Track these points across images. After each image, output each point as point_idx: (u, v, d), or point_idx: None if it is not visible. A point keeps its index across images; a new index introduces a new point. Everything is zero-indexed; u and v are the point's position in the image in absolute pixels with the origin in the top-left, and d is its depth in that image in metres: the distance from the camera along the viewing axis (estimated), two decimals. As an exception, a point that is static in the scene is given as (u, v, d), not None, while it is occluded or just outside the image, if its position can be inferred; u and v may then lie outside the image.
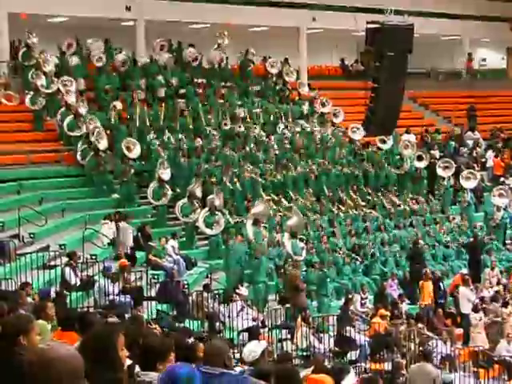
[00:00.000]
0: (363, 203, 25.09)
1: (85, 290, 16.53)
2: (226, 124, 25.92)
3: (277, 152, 25.52)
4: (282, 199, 23.73)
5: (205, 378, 6.00)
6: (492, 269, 22.95)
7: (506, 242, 25.49)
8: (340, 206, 24.66)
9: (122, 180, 22.56)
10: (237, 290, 18.34)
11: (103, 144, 22.58)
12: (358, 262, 22.15)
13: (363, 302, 20.44)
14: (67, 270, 16.65)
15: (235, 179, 23.51)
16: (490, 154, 31.61)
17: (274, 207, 23.06)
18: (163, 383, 3.93)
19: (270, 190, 24.05)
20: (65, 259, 17.13)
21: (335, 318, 18.74)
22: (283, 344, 16.97)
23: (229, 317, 17.45)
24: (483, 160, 31.30)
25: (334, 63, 38.23)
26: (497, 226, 26.08)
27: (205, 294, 17.62)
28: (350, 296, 19.57)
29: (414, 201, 25.95)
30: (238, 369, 7.20)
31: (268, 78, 30.22)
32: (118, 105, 25.13)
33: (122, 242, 19.83)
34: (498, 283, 22.18)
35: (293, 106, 29.25)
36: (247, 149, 25.24)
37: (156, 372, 5.11)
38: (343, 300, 19.59)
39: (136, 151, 22.85)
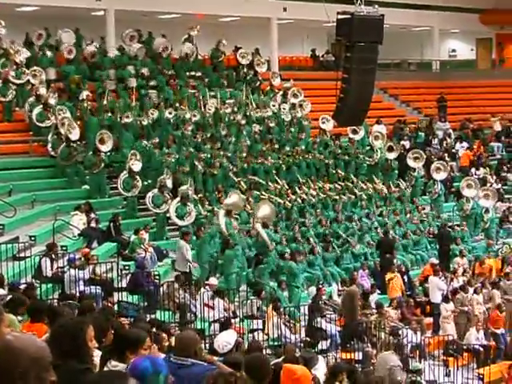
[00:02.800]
0: (334, 193, 25.13)
1: (56, 281, 16.46)
2: (194, 115, 25.80)
3: (248, 142, 25.52)
4: (254, 191, 23.69)
5: (175, 368, 6.01)
6: (461, 258, 23.14)
7: (476, 234, 25.67)
8: (311, 196, 24.67)
9: (93, 171, 22.44)
10: (206, 281, 18.33)
11: (75, 134, 22.42)
12: (329, 252, 22.19)
13: (340, 293, 20.51)
14: (44, 261, 16.58)
15: (206, 170, 23.47)
16: (464, 145, 31.78)
17: (245, 198, 23.05)
18: None
19: (242, 179, 24.02)
20: (36, 250, 17.06)
21: (306, 308, 18.86)
22: (254, 334, 17.00)
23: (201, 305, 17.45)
24: (453, 151, 31.48)
25: (304, 54, 38.25)
26: (467, 216, 26.28)
27: (176, 285, 17.60)
28: (321, 286, 19.65)
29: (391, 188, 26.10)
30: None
31: (239, 69, 30.18)
32: (88, 95, 24.99)
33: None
34: (465, 272, 22.34)
35: (264, 96, 29.24)
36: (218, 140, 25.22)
37: (125, 363, 5.08)
38: (314, 290, 19.69)
39: (109, 144, 22.72)
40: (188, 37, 29.34)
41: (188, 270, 19.19)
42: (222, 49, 30.33)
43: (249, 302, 18.26)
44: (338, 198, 24.56)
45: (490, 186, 28.08)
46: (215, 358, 8.06)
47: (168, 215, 21.47)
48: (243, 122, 26.52)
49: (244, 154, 24.76)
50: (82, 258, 16.85)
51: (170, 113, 25.26)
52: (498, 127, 33.92)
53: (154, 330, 9.70)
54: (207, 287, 18.02)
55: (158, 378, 4.21)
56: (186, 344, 6.20)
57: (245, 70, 30.16)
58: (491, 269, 23.15)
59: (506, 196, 29.23)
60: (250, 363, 6.16)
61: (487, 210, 26.12)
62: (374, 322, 18.26)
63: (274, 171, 24.76)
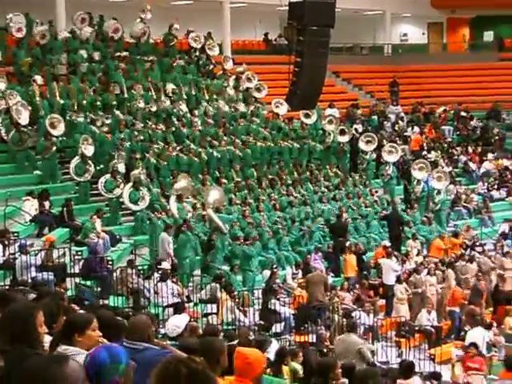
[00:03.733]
0: (286, 178, 25.20)
1: (7, 268, 16.31)
2: (150, 102, 25.63)
3: (200, 128, 25.43)
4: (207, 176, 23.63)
5: (128, 352, 5.98)
6: (414, 240, 23.37)
7: (425, 215, 25.93)
8: (265, 181, 24.72)
9: (44, 156, 22.19)
10: (159, 266, 18.30)
11: (24, 119, 22.12)
12: (282, 236, 22.26)
13: (294, 276, 20.61)
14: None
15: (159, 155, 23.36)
16: (416, 130, 32.02)
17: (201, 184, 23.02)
18: (87, 371, 3.87)
19: (195, 166, 23.94)
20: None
21: (260, 291, 18.95)
22: (208, 318, 17.03)
23: (155, 293, 17.42)
24: (405, 134, 31.72)
25: (257, 38, 38.20)
26: (417, 198, 26.54)
27: (129, 270, 17.54)
28: (275, 270, 19.72)
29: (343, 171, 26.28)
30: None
31: (191, 53, 30.04)
32: (39, 79, 24.67)
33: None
34: (418, 254, 22.60)
35: (217, 80, 29.17)
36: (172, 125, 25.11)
37: (75, 347, 5.05)
38: (268, 273, 19.76)
39: (60, 128, 22.48)
40: (140, 20, 29.08)
41: (170, 263, 19.11)
42: (174, 32, 30.12)
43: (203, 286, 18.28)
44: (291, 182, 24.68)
45: (442, 168, 28.37)
46: (168, 342, 8.07)
47: (121, 200, 21.35)
48: (195, 108, 26.43)
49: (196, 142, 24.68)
50: (47, 245, 16.77)
51: (121, 97, 25.09)
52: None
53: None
54: (160, 272, 17.99)
55: (117, 368, 4.17)
56: (139, 328, 6.17)
57: (197, 53, 30.02)
58: (446, 250, 23.49)
59: (457, 179, 29.52)
60: (205, 347, 6.16)
61: (439, 192, 26.38)
62: (327, 304, 18.40)
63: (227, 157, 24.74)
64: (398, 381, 11.08)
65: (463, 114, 34.42)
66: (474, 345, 16.22)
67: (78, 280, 16.63)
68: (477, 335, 17.39)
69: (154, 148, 23.44)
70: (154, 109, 25.32)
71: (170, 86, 26.84)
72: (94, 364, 4.04)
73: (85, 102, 24.45)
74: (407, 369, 11.59)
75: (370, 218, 24.52)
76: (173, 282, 17.67)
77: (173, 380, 2.82)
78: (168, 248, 19.38)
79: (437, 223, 25.56)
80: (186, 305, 17.33)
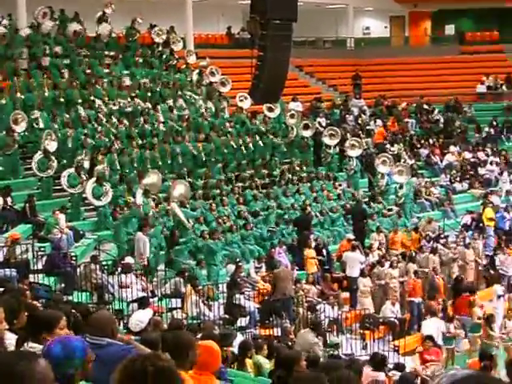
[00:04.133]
0: (251, 172, 25.22)
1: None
2: (116, 104, 25.48)
3: (164, 123, 25.32)
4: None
5: (90, 348, 5.96)
6: (378, 233, 23.51)
7: (388, 208, 26.09)
8: (229, 175, 24.72)
9: (6, 152, 21.99)
10: (122, 261, 18.22)
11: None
12: (246, 230, 22.28)
13: (257, 270, 20.65)
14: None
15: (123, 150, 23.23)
16: (379, 123, 32.20)
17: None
18: None
19: (159, 161, 23.85)
20: None
21: (225, 285, 18.97)
22: (173, 313, 17.02)
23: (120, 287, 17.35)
24: (368, 127, 31.87)
25: (220, 32, 38.15)
26: (382, 192, 26.70)
27: (93, 266, 17.46)
28: (239, 264, 19.74)
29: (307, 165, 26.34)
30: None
31: (154, 47, 29.93)
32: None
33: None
34: (381, 247, 22.72)
35: (180, 75, 29.08)
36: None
37: (43, 345, 5.03)
38: (233, 268, 19.77)
39: (23, 124, 22.29)
40: (102, 14, 28.91)
41: (146, 263, 19.03)
42: (136, 27, 29.97)
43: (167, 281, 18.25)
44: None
45: (404, 161, 28.56)
46: (132, 338, 8.04)
47: (84, 195, 21.23)
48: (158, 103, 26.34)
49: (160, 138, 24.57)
50: (9, 242, 16.64)
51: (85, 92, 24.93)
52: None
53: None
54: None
55: (71, 362, 4.15)
56: (102, 324, 6.15)
57: (160, 48, 29.91)
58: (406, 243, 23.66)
59: (420, 171, 29.73)
60: (174, 341, 6.13)
61: (401, 186, 26.54)
62: (292, 297, 18.48)
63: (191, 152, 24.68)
64: (365, 369, 11.14)
65: (425, 106, 34.69)
66: (429, 337, 16.41)
67: (35, 279, 16.48)
68: (432, 326, 17.60)
69: (118, 144, 23.31)
70: (116, 105, 25.17)
71: (133, 81, 26.71)
72: (48, 357, 4.02)
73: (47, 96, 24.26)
74: (380, 362, 11.68)
75: (337, 213, 24.57)
76: (137, 276, 17.62)
77: (139, 377, 2.80)
78: (142, 248, 19.24)
79: (400, 216, 25.71)
80: (151, 300, 17.28)
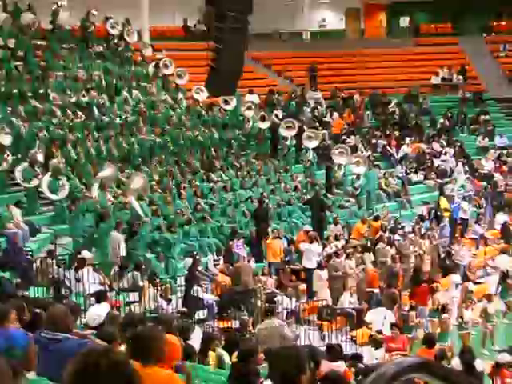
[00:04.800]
0: (208, 164, 25.17)
1: None
2: (68, 93, 25.25)
3: (120, 116, 25.17)
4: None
5: (46, 343, 5.93)
6: (335, 224, 23.62)
7: (346, 198, 26.24)
8: (186, 168, 24.64)
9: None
10: (79, 255, 18.09)
11: None
12: (204, 223, 22.24)
13: (215, 263, 20.65)
14: None
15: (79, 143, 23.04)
16: (335, 116, 32.32)
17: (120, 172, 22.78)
18: None
19: (115, 154, 23.70)
20: None
21: (183, 278, 18.94)
22: (131, 307, 16.95)
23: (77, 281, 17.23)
24: (325, 119, 31.99)
25: (176, 24, 38.00)
26: (339, 183, 26.83)
27: (49, 260, 17.31)
28: (198, 257, 19.73)
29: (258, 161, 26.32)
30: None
31: (109, 40, 29.71)
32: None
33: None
34: (339, 238, 22.82)
35: (136, 67, 28.91)
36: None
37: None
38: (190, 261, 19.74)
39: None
40: (57, 6, 28.62)
41: (119, 264, 18.89)
42: (91, 19, 29.72)
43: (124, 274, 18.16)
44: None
45: (361, 153, 28.71)
46: (88, 332, 8.02)
47: (40, 189, 21.01)
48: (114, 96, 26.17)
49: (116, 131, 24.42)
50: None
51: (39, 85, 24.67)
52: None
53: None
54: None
55: (13, 352, 4.12)
56: (57, 318, 6.12)
57: (115, 40, 29.70)
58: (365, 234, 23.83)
59: (376, 163, 29.89)
60: (138, 335, 6.06)
61: (358, 177, 26.68)
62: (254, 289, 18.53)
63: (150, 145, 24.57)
64: (323, 362, 11.19)
65: (381, 98, 34.92)
66: (395, 325, 16.55)
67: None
68: (377, 315, 17.78)
69: (73, 137, 23.10)
70: (73, 97, 24.96)
71: (89, 74, 26.49)
72: None
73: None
74: (334, 352, 11.73)
75: (293, 204, 24.62)
76: (95, 270, 17.52)
77: (91, 372, 2.78)
78: (117, 248, 19.09)
79: (357, 207, 25.91)
80: (108, 294, 17.17)
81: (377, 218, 24.73)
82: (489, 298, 19.58)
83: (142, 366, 5.24)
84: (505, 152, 33.07)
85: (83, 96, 25.31)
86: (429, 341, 14.15)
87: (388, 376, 2.18)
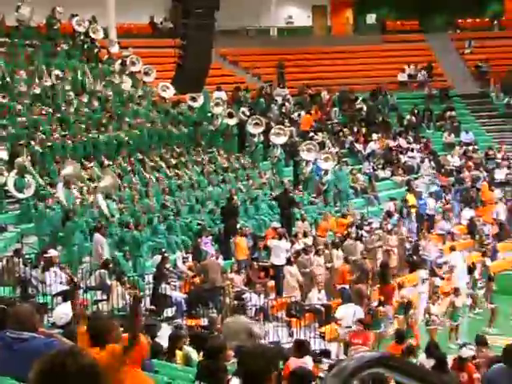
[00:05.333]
0: (175, 162, 25.11)
1: None
2: (34, 87, 25.05)
3: (87, 113, 25.03)
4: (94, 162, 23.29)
5: (11, 342, 5.88)
6: (303, 221, 23.67)
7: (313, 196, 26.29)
8: (153, 165, 24.56)
9: None
10: (45, 254, 17.97)
11: None
12: (172, 221, 22.18)
13: (184, 260, 20.62)
14: None
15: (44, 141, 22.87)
16: (302, 114, 32.38)
17: (84, 170, 22.64)
18: None
19: (81, 151, 23.56)
20: None
21: (151, 276, 18.88)
22: (99, 305, 16.89)
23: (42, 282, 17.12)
24: (292, 116, 32.04)
25: (143, 21, 37.85)
26: (306, 179, 26.88)
27: (16, 260, 17.19)
28: (165, 254, 19.67)
29: (226, 158, 26.31)
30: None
31: (76, 37, 29.52)
32: None
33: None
34: (307, 235, 22.87)
35: (102, 65, 28.76)
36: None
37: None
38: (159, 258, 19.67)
39: None
40: (21, 3, 28.37)
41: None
42: (57, 16, 29.52)
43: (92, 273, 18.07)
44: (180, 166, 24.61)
45: (329, 149, 28.79)
46: (55, 331, 7.96)
47: (6, 188, 20.83)
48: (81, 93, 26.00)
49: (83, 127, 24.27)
50: None
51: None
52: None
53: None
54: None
55: None
56: (22, 317, 6.07)
57: (82, 37, 29.52)
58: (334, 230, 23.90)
59: (344, 159, 29.96)
60: (95, 332, 6.06)
61: (326, 173, 26.72)
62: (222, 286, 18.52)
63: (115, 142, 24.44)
64: (292, 358, 11.23)
65: (348, 95, 35.05)
66: (359, 321, 16.62)
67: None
68: (347, 311, 17.87)
69: (39, 134, 22.94)
70: (37, 91, 24.78)
71: (55, 71, 26.30)
72: None
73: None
74: (300, 348, 11.76)
75: (261, 200, 24.64)
76: (61, 269, 17.41)
77: (58, 373, 2.76)
78: (100, 249, 18.96)
79: (324, 204, 25.97)
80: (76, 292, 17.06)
81: (345, 215, 24.83)
82: (456, 292, 19.74)
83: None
84: (470, 148, 33.34)
85: (49, 93, 25.13)
86: (399, 336, 14.25)
87: (348, 371, 2.20)
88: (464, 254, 23.69)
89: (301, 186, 26.33)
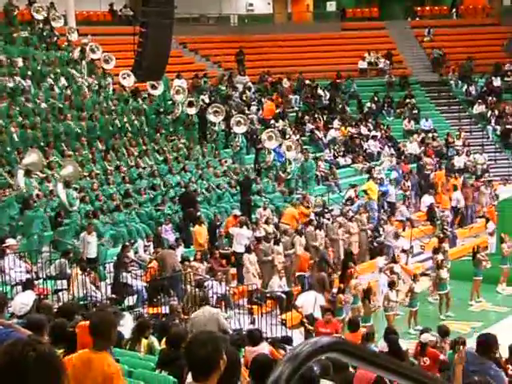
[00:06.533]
0: (136, 150, 25.01)
1: None
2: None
3: (46, 102, 24.80)
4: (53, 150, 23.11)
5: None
6: (264, 209, 23.69)
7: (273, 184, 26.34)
8: (113, 154, 24.44)
9: None
10: (4, 244, 17.81)
11: None
12: (133, 208, 22.10)
13: (145, 248, 20.56)
14: None
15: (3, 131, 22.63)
16: (264, 101, 32.38)
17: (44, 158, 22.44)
18: None
19: (42, 141, 23.34)
20: None
21: (112, 265, 18.82)
22: (59, 295, 16.79)
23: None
24: (253, 104, 32.04)
25: (102, 9, 37.55)
26: (268, 167, 26.91)
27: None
28: (127, 243, 19.60)
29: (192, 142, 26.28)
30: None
31: (34, 24, 29.20)
32: None
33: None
34: (268, 222, 22.89)
35: (62, 52, 28.49)
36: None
37: None
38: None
39: None
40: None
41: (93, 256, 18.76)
42: (15, 3, 29.16)
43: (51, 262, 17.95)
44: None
45: (289, 137, 28.85)
46: (14, 321, 7.90)
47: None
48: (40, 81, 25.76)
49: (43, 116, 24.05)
50: None
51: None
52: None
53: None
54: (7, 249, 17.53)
55: None
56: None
57: (40, 25, 29.21)
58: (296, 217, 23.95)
59: (305, 147, 30.06)
60: (95, 321, 6.00)
61: (290, 162, 26.76)
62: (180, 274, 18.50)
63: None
64: (247, 348, 11.27)
65: (308, 82, 35.14)
66: (329, 310, 16.71)
67: None
68: (307, 298, 17.97)
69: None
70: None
71: (13, 59, 26.02)
72: None
73: None
74: (254, 336, 11.79)
75: (221, 188, 24.62)
76: (21, 258, 17.28)
77: (18, 363, 2.74)
78: (83, 248, 18.92)
79: (288, 192, 25.99)
80: (35, 282, 16.98)
81: (306, 202, 24.89)
82: (415, 277, 19.94)
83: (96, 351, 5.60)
84: (430, 135, 33.64)
85: (7, 81, 24.86)
86: (353, 324, 14.36)
87: (302, 356, 2.22)
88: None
89: (262, 174, 26.35)
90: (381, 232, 24.48)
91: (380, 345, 12.36)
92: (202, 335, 4.54)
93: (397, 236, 23.30)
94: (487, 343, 7.76)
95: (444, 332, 14.08)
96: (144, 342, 10.80)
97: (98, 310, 8.34)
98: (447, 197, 28.52)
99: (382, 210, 26.79)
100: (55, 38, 29.29)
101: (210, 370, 4.32)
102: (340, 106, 34.38)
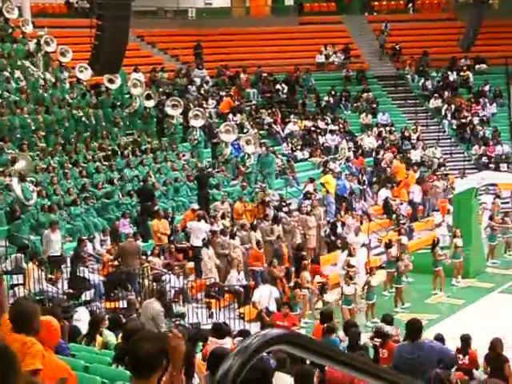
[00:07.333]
0: (94, 144, 24.84)
1: None
2: None
3: (1, 95, 24.52)
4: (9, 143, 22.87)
5: None
6: (222, 203, 23.68)
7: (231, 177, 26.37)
8: (70, 148, 24.25)
9: None
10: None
11: None
12: (90, 203, 21.96)
13: (102, 243, 20.45)
14: None
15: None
16: (223, 94, 32.35)
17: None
18: None
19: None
20: None
21: (69, 259, 18.68)
22: (15, 290, 16.65)
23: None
24: (211, 97, 31.98)
25: (58, 0, 37.18)
26: (226, 161, 26.89)
27: None
28: (84, 238, 19.48)
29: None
30: None
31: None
32: None
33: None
34: (225, 216, 22.89)
35: (17, 45, 28.16)
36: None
37: None
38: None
39: None
40: None
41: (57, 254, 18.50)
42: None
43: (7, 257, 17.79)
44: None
45: (248, 131, 28.86)
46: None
47: None
48: None
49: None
50: None
51: None
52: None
53: None
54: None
55: None
56: None
57: (-6, 17, 28.88)
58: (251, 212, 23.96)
59: (262, 140, 30.05)
60: (17, 317, 5.96)
61: (249, 155, 26.73)
62: (137, 269, 18.43)
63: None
64: (211, 339, 11.28)
65: (267, 76, 35.17)
66: (287, 304, 16.78)
67: None
68: (263, 292, 18.04)
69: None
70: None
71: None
72: None
73: None
74: (221, 329, 11.81)
75: (178, 182, 24.54)
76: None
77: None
78: (46, 246, 18.65)
79: (247, 185, 25.96)
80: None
81: (263, 196, 24.89)
82: (371, 271, 20.10)
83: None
84: (388, 129, 33.88)
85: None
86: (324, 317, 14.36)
87: (252, 348, 2.23)
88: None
89: (220, 168, 26.33)
90: (338, 226, 24.60)
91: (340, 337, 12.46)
92: (145, 335, 4.48)
93: (358, 230, 23.41)
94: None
95: (386, 320, 14.17)
96: (99, 338, 10.76)
97: (19, 300, 8.28)
98: (406, 190, 28.76)
99: (339, 204, 26.87)
100: (10, 30, 28.93)
101: (152, 370, 4.28)
102: (298, 99, 34.46)
